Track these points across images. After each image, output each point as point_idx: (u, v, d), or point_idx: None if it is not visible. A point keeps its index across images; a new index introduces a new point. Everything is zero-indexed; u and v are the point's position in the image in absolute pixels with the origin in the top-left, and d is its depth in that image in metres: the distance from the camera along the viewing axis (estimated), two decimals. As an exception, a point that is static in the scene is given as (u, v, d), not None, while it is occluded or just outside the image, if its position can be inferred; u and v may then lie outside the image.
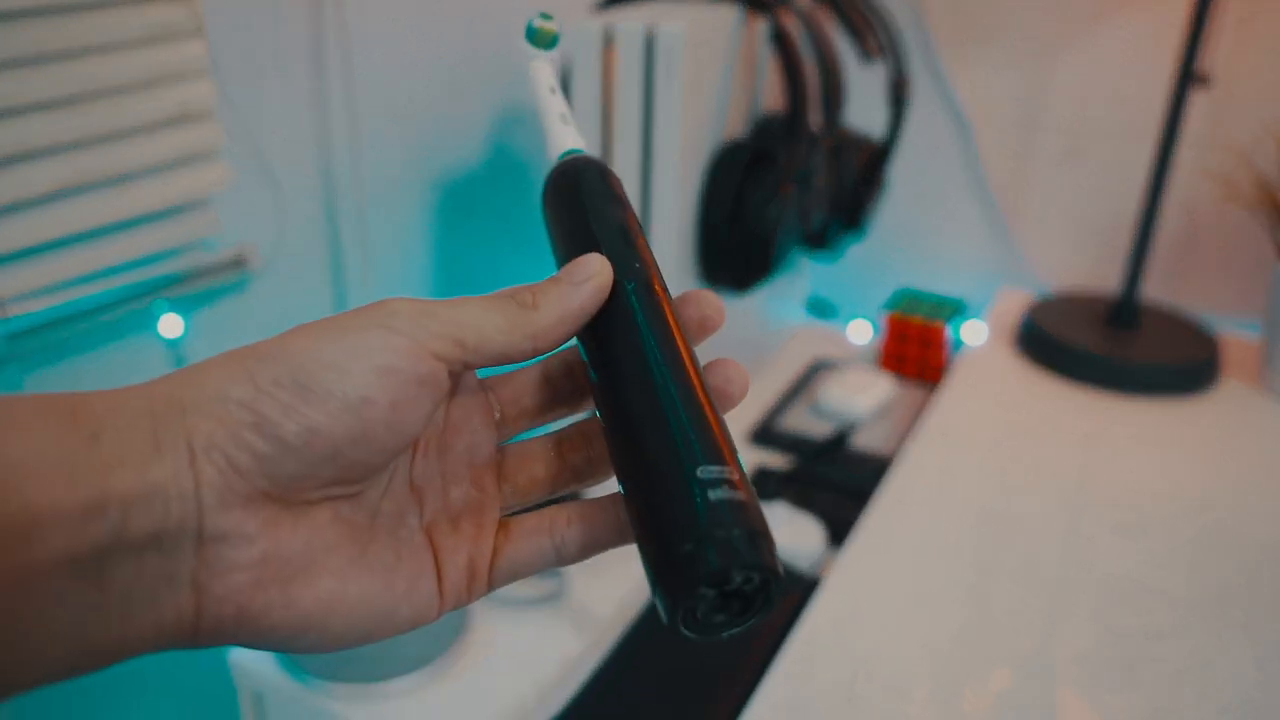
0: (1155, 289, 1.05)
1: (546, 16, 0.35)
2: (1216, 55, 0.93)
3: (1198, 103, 0.96)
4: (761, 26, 0.81)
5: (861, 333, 1.13)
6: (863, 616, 0.61)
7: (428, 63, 0.91)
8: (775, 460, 0.87)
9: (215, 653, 0.83)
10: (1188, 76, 0.85)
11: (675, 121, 0.70)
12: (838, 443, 0.84)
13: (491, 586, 0.29)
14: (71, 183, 0.65)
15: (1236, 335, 1.01)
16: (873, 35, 0.81)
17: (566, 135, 0.35)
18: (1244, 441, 0.82)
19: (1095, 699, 0.54)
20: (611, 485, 0.30)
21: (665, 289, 0.30)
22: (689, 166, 0.74)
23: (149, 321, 0.75)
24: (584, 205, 0.32)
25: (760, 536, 0.25)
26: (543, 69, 0.36)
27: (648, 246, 0.32)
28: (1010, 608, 0.62)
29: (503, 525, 0.30)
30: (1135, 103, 1.01)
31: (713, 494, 0.25)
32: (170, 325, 0.77)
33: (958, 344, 1.02)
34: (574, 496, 0.32)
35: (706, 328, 0.31)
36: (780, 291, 1.03)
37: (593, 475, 0.32)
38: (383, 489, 0.28)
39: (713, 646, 0.59)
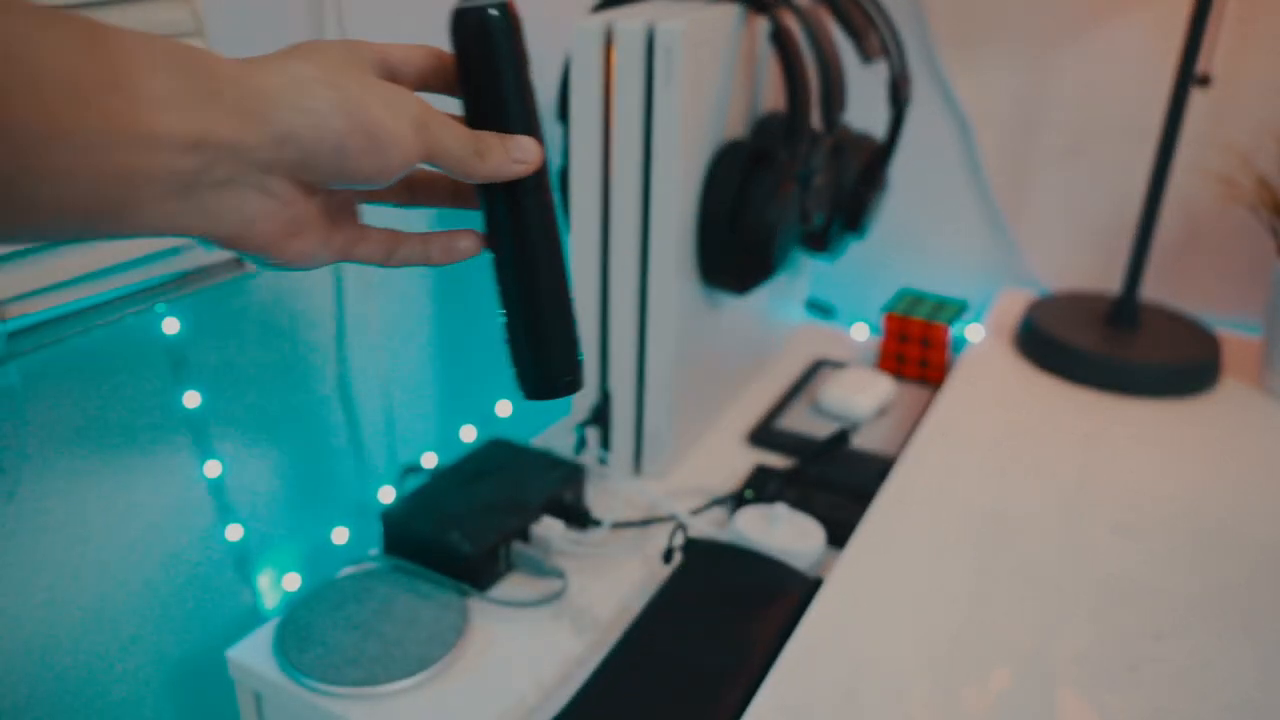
0: (1155, 289, 1.05)
1: None
2: (1216, 55, 0.93)
3: (1198, 103, 0.96)
4: (761, 26, 0.80)
5: (861, 333, 1.13)
6: (863, 617, 0.61)
7: (428, 63, 0.90)
8: (775, 460, 0.87)
9: (215, 652, 0.83)
10: (1188, 76, 0.85)
11: (675, 121, 0.70)
12: (838, 442, 0.84)
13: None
14: (71, 183, 0.64)
15: (1236, 335, 1.01)
16: (873, 35, 0.81)
17: None
18: (1244, 441, 0.82)
19: (1095, 699, 0.54)
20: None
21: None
22: (689, 166, 0.74)
23: (149, 321, 0.75)
24: (506, 71, 0.40)
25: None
26: None
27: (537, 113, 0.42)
28: (1010, 608, 0.62)
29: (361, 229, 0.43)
30: (1135, 103, 1.01)
31: (581, 355, 0.46)
32: (170, 325, 0.77)
33: (958, 344, 1.02)
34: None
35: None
36: (780, 291, 1.03)
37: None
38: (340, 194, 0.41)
39: (712, 647, 0.59)
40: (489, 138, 0.40)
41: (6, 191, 0.29)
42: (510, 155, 0.40)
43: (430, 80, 0.42)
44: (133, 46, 0.32)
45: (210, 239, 0.36)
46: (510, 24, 0.40)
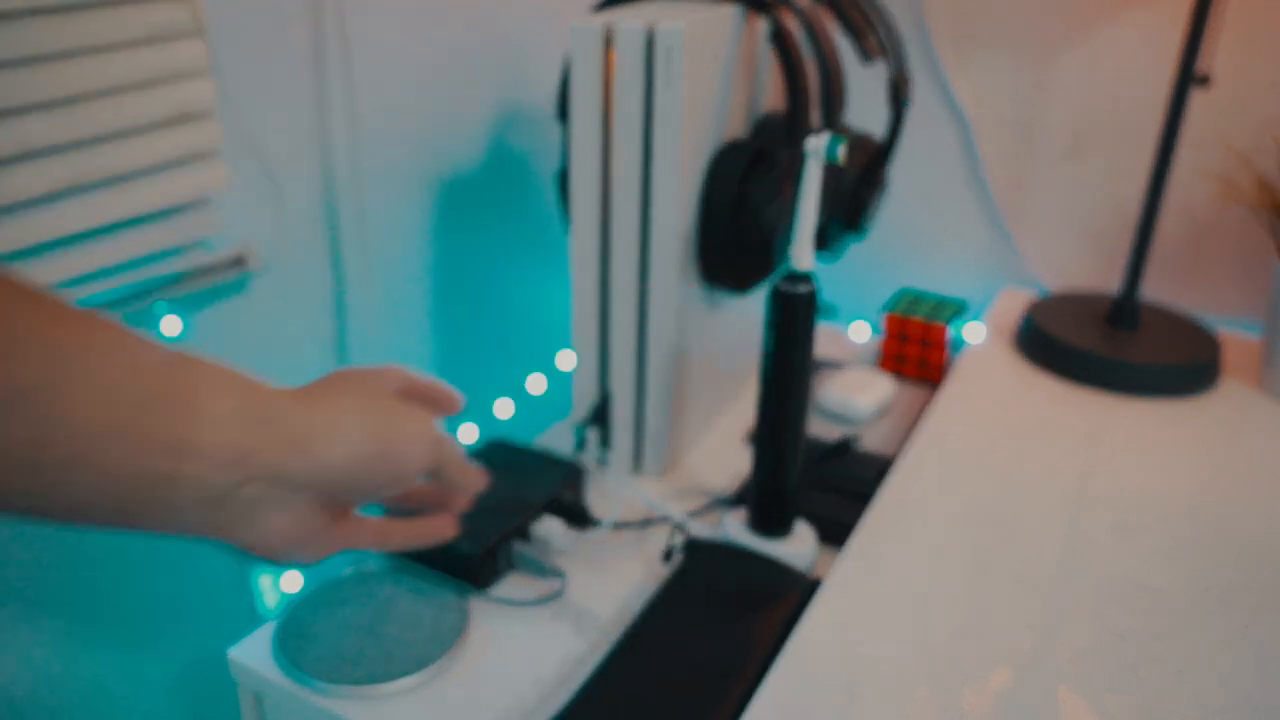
0: (1155, 289, 1.05)
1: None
2: (1216, 55, 0.93)
3: (1198, 103, 0.96)
4: (761, 26, 0.81)
5: (861, 333, 1.13)
6: (863, 616, 0.61)
7: (428, 62, 0.91)
8: (775, 460, 0.87)
9: (216, 651, 0.83)
10: (1188, 76, 0.85)
11: (675, 121, 0.70)
12: (840, 452, 0.84)
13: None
14: (71, 183, 0.65)
15: (1236, 335, 1.01)
16: (873, 35, 0.81)
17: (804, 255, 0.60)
18: (1244, 442, 0.82)
19: (1095, 699, 0.54)
20: None
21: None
22: (689, 166, 0.74)
23: (149, 321, 0.75)
24: (805, 334, 0.66)
25: None
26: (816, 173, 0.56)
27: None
28: (1010, 608, 0.62)
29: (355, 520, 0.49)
30: (1135, 103, 1.01)
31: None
32: (170, 325, 0.77)
33: (958, 344, 1.02)
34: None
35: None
36: (780, 291, 1.03)
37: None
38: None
39: (712, 647, 0.59)
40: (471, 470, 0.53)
41: (51, 477, 0.32)
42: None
43: (440, 408, 0.50)
44: (208, 374, 0.37)
45: (231, 545, 0.40)
46: (812, 304, 0.65)
